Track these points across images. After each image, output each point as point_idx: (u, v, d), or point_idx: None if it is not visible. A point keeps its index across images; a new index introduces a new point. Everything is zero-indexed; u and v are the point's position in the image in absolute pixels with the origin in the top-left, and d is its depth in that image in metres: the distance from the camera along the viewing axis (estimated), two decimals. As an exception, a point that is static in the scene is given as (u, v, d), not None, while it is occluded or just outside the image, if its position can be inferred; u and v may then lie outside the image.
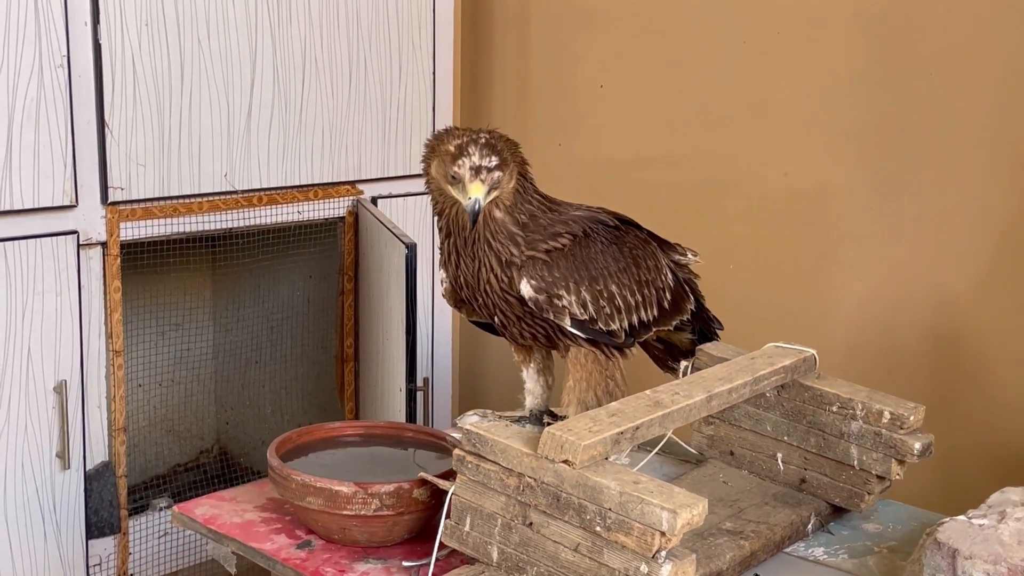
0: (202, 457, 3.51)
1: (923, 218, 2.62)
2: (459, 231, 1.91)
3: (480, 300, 1.96)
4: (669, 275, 2.10)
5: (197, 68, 2.68)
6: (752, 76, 2.87)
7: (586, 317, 1.93)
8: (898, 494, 2.16)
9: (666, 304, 2.08)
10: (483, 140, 1.85)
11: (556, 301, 1.91)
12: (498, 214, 1.90)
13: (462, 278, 1.96)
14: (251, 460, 3.43)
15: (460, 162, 1.83)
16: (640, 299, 2.02)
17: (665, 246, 2.15)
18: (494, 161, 1.83)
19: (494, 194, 1.85)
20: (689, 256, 2.19)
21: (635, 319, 2.01)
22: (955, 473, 2.55)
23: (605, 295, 1.95)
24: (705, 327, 2.22)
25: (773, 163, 2.85)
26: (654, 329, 2.07)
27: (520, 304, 1.93)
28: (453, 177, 1.85)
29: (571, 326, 1.93)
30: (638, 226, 2.11)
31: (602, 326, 1.96)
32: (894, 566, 1.89)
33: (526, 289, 1.90)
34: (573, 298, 1.92)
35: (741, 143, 2.91)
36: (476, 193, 1.82)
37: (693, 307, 2.16)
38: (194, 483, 3.25)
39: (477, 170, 1.82)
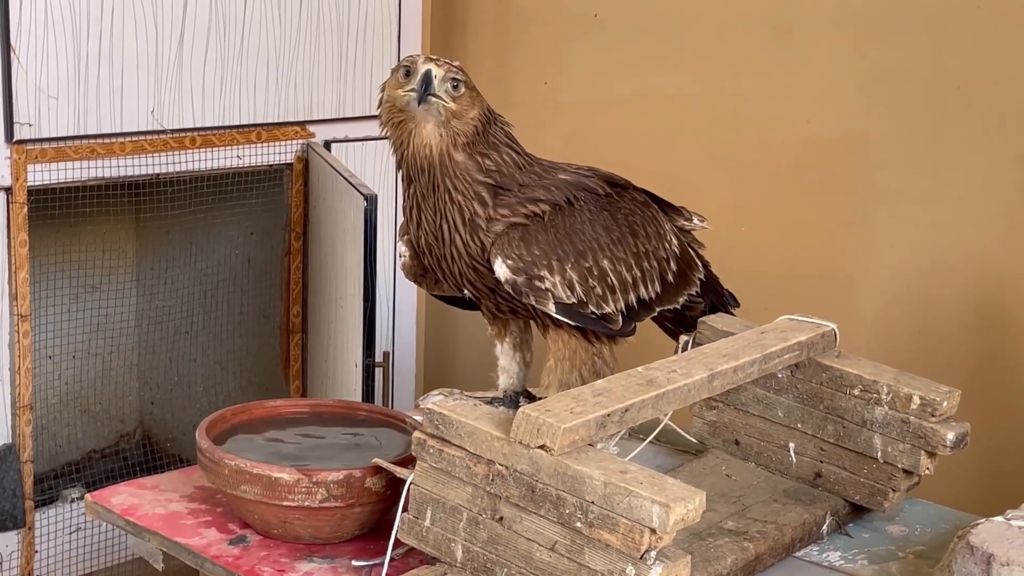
0: (122, 442, 3.52)
1: (966, 175, 2.64)
2: (419, 174, 1.93)
3: (446, 268, 1.97)
4: (674, 241, 2.10)
5: (120, -16, 2.68)
6: (772, 4, 2.87)
7: (574, 300, 1.93)
8: (927, 492, 2.19)
9: (670, 277, 2.08)
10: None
11: (537, 283, 1.91)
12: (458, 157, 1.91)
13: (423, 239, 1.97)
14: (179, 446, 3.44)
15: (412, 57, 1.91)
16: (639, 274, 2.02)
17: (668, 209, 2.16)
18: (456, 65, 1.91)
19: (451, 102, 1.89)
20: (695, 222, 2.19)
21: (633, 298, 2.01)
22: (994, 469, 2.59)
23: (596, 272, 1.95)
24: (717, 301, 2.23)
25: (794, 108, 2.87)
26: (657, 309, 2.08)
27: (490, 273, 1.93)
28: (406, 72, 1.90)
29: (557, 312, 1.93)
30: (636, 189, 2.11)
31: (594, 310, 1.96)
32: (921, 574, 1.92)
33: (501, 270, 1.90)
34: (557, 278, 1.92)
35: (757, 84, 2.92)
36: (431, 66, 1.88)
37: (702, 276, 2.17)
38: (112, 472, 3.26)
39: (435, 60, 1.90)
